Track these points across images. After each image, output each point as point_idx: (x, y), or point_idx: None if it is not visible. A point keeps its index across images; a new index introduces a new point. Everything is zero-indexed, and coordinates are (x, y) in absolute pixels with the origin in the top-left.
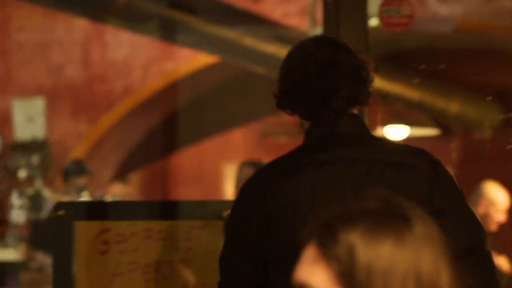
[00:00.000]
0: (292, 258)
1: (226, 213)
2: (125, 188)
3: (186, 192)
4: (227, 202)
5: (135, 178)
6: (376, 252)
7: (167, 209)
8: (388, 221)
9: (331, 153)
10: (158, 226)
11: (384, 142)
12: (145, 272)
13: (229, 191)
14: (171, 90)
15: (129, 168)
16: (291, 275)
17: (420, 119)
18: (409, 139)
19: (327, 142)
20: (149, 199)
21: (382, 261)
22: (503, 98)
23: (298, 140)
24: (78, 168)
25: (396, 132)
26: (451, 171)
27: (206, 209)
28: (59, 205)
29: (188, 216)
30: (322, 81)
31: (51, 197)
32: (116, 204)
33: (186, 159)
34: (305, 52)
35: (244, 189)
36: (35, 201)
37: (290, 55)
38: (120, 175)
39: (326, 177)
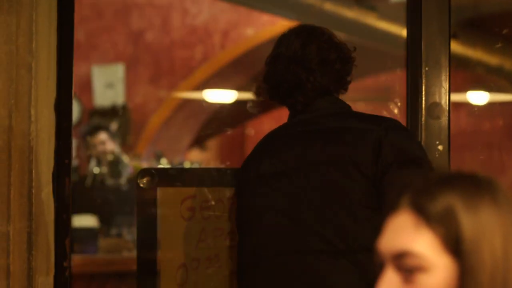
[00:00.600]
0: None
1: None
2: (203, 155)
3: None
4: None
5: (213, 144)
6: (478, 215)
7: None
8: (482, 184)
9: (290, 127)
10: (221, 192)
11: (350, 114)
12: (230, 239)
13: None
14: (250, 56)
15: (208, 134)
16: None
17: (501, 85)
18: (489, 104)
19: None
20: (229, 166)
21: (484, 224)
22: None
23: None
24: None
25: (476, 98)
26: None
27: None
28: (144, 172)
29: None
30: (287, 75)
31: (130, 163)
32: (200, 171)
33: (265, 125)
34: (280, 45)
35: None
36: (114, 168)
37: (274, 46)
38: (199, 141)
39: (279, 140)
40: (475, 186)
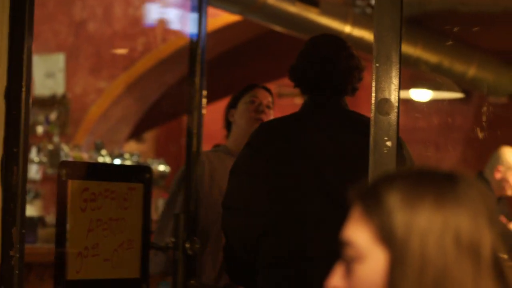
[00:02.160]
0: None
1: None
2: (140, 146)
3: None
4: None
5: (151, 136)
6: (415, 211)
7: (116, 171)
8: (430, 181)
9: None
10: (112, 186)
11: (349, 115)
12: (104, 229)
13: None
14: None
15: (146, 126)
16: None
17: (445, 83)
18: (433, 101)
19: (314, 111)
20: (163, 157)
21: (420, 220)
22: None
23: None
24: None
25: (420, 95)
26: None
27: (135, 172)
28: (62, 164)
29: (125, 178)
30: (322, 73)
31: (69, 153)
32: (94, 165)
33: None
34: (316, 48)
35: None
36: (53, 157)
37: (307, 46)
38: (137, 132)
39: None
40: (419, 184)
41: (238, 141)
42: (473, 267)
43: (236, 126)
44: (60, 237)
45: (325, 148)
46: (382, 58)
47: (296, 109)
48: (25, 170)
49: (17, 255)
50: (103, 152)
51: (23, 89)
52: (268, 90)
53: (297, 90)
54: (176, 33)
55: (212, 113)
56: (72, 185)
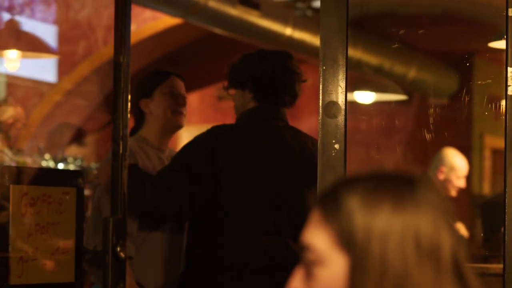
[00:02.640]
0: None
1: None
2: (82, 150)
3: None
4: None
5: (91, 139)
6: (374, 215)
7: (53, 175)
8: (389, 184)
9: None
10: (48, 191)
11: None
12: (41, 233)
13: None
14: (133, 51)
15: (89, 130)
16: None
17: (388, 85)
18: (376, 103)
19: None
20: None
21: (379, 223)
22: (462, 64)
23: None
24: None
25: (363, 97)
26: None
27: (69, 177)
28: (4, 169)
29: (62, 183)
30: (283, 84)
31: (13, 158)
32: (32, 170)
33: None
34: (276, 60)
35: None
36: None
37: (262, 60)
38: (80, 136)
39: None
40: (379, 187)
41: (156, 132)
42: (433, 271)
43: (153, 117)
44: (2, 243)
45: (273, 158)
46: (329, 61)
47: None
48: None
49: None
50: (47, 156)
51: None
52: (183, 79)
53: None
54: None
55: None
56: (13, 190)
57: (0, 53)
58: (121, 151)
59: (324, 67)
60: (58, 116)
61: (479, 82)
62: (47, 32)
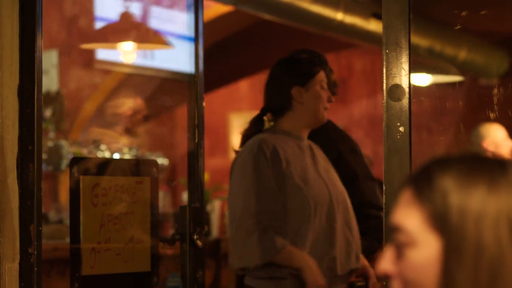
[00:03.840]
0: None
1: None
2: (134, 140)
3: None
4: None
5: (144, 129)
6: (469, 196)
7: (124, 166)
8: (483, 166)
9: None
10: (121, 181)
11: None
12: (115, 223)
13: (235, 141)
14: None
15: (140, 120)
16: None
17: (443, 67)
18: (433, 85)
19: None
20: (154, 151)
21: (474, 205)
22: (511, 44)
23: None
24: None
25: (419, 79)
26: None
27: (142, 166)
28: (73, 161)
29: (133, 172)
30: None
31: (69, 150)
32: (103, 160)
33: None
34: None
35: None
36: (54, 154)
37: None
38: (129, 127)
39: None
40: (473, 169)
41: (300, 122)
42: None
43: (302, 108)
44: (74, 234)
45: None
46: (392, 44)
47: None
48: (40, 168)
49: (36, 252)
50: (103, 147)
51: (36, 87)
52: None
53: None
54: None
55: (207, 104)
56: (83, 181)
57: (115, 45)
58: (196, 140)
59: (387, 51)
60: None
61: None
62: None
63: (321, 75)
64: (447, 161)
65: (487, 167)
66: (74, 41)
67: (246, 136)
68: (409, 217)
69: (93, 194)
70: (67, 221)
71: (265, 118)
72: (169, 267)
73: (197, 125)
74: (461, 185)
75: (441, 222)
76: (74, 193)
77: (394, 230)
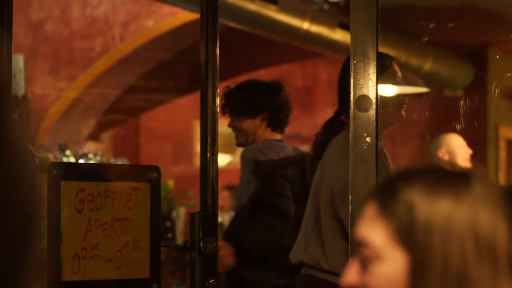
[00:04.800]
0: None
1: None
2: (99, 146)
3: (157, 149)
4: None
5: (108, 135)
6: (435, 209)
7: (117, 171)
8: (447, 179)
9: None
10: (112, 187)
11: None
12: (105, 229)
13: (199, 148)
14: (150, 47)
15: (106, 126)
16: None
17: (406, 78)
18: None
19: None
20: (123, 156)
21: (440, 218)
22: (476, 56)
23: None
24: None
25: (385, 90)
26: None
27: (141, 172)
28: (52, 165)
29: (129, 178)
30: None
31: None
32: (89, 166)
33: (159, 116)
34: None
35: None
36: None
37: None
38: (97, 132)
39: None
40: (437, 182)
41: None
42: (491, 268)
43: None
44: (52, 240)
45: None
46: (359, 55)
47: None
48: None
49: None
50: (68, 152)
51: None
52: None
53: None
54: (134, 32)
55: (173, 111)
56: (65, 186)
57: None
58: (208, 146)
59: (354, 61)
60: (76, 113)
61: (500, 75)
62: None
63: (395, 67)
64: (411, 174)
65: (451, 180)
66: (40, 45)
67: (319, 141)
68: (374, 232)
69: (76, 199)
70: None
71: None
72: (176, 274)
73: (209, 132)
74: (426, 199)
75: (406, 236)
76: (53, 198)
77: (359, 244)
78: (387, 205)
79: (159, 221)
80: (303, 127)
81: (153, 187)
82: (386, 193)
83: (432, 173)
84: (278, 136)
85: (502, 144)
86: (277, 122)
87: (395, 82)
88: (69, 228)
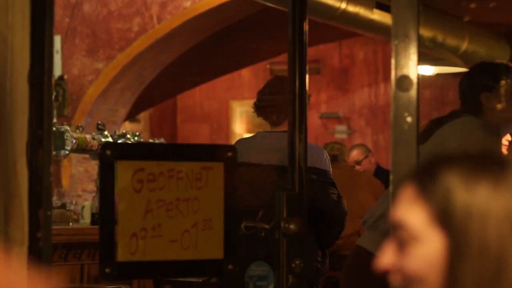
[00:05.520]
0: None
1: None
2: (135, 126)
3: (194, 129)
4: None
5: (144, 116)
6: (473, 193)
7: (185, 151)
8: (486, 165)
9: None
10: (178, 166)
11: None
12: (168, 210)
13: (237, 128)
14: (187, 28)
15: (144, 106)
16: None
17: (446, 58)
18: (437, 75)
19: None
20: (160, 137)
21: (479, 204)
22: None
23: None
24: None
25: (424, 70)
26: None
27: (214, 152)
28: (105, 145)
29: (200, 158)
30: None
31: (72, 135)
32: (148, 145)
33: (196, 97)
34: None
35: None
36: (57, 140)
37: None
38: (134, 113)
39: None
40: (477, 166)
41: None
42: None
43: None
44: (105, 220)
45: None
46: (400, 35)
47: None
48: (49, 153)
49: (44, 237)
50: (106, 133)
51: (46, 72)
52: None
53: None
54: (172, 13)
55: (209, 91)
56: (120, 166)
57: None
58: (296, 124)
59: (396, 42)
60: (114, 93)
61: None
62: None
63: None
64: (450, 157)
65: (492, 164)
66: (77, 26)
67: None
68: (412, 214)
69: (134, 179)
70: (70, 206)
71: None
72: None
73: (297, 110)
74: (466, 183)
75: (445, 219)
76: (105, 179)
77: (396, 226)
78: (426, 187)
79: (236, 201)
80: (341, 107)
81: (228, 166)
82: (425, 175)
83: (471, 157)
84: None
85: None
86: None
87: None
88: (125, 208)
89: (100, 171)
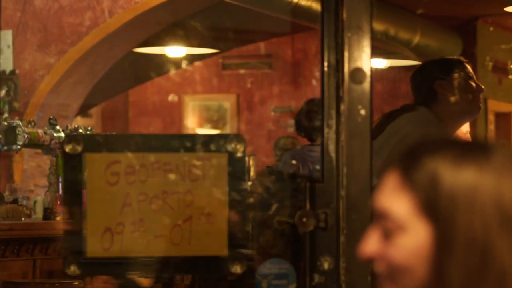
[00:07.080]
0: None
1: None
2: (87, 121)
3: (146, 123)
4: (229, 135)
5: (98, 110)
6: (459, 179)
7: (173, 142)
8: (470, 150)
9: None
10: (165, 158)
11: None
12: (153, 203)
13: (189, 123)
14: (139, 22)
15: (95, 101)
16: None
17: (397, 51)
18: (389, 69)
19: None
20: (113, 131)
21: (464, 190)
22: (465, 29)
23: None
24: None
25: (376, 64)
26: None
27: (209, 142)
28: (69, 138)
29: (191, 149)
30: None
31: (24, 130)
32: (123, 137)
33: (148, 92)
34: None
35: None
36: (8, 134)
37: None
38: (86, 107)
39: None
40: (461, 153)
41: None
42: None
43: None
44: (72, 214)
45: None
46: (354, 28)
47: (240, 80)
48: None
49: None
50: (58, 127)
51: None
52: None
53: (241, 60)
54: (123, 7)
55: (159, 86)
56: (89, 159)
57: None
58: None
59: (349, 34)
60: (66, 88)
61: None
62: None
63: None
64: (434, 144)
65: (474, 151)
66: (29, 21)
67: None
68: (397, 202)
69: (108, 172)
70: (22, 201)
71: None
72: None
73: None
74: (451, 169)
75: (431, 208)
76: (70, 172)
77: (381, 215)
78: (411, 174)
79: (245, 193)
80: (293, 101)
81: (232, 157)
82: (410, 162)
83: (456, 144)
84: None
85: (491, 117)
86: None
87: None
88: (95, 202)
89: (64, 165)
